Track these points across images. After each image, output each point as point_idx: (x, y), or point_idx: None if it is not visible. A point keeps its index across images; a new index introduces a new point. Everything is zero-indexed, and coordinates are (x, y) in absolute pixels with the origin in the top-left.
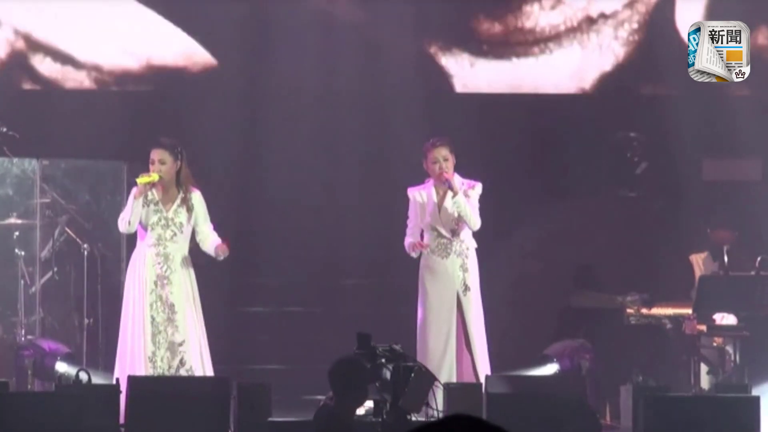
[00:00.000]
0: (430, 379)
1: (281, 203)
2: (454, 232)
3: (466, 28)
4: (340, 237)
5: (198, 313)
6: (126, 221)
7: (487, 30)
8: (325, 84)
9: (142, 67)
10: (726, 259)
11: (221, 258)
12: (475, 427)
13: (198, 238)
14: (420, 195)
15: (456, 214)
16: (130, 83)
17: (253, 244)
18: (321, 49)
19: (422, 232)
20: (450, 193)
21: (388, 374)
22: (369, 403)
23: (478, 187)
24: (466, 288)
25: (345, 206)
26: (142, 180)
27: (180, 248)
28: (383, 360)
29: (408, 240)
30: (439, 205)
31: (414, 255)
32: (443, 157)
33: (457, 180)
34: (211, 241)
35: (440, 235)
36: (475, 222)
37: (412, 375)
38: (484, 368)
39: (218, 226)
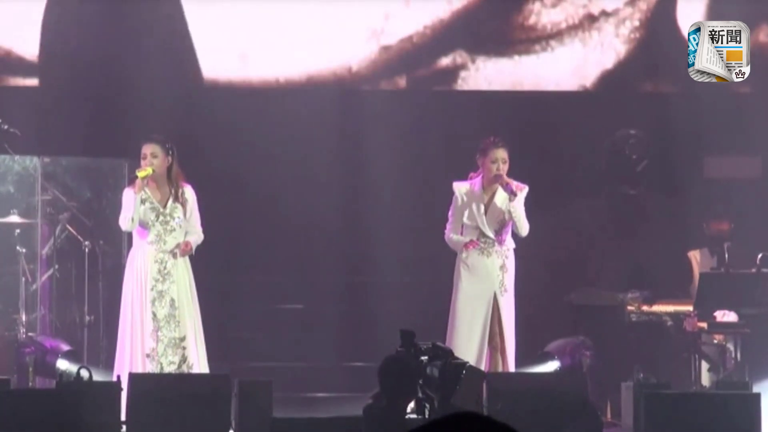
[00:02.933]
0: (480, 375)
1: (282, 199)
2: (497, 233)
3: (468, 26)
4: (343, 234)
5: (196, 309)
6: (129, 219)
7: (488, 27)
8: (329, 82)
9: (143, 65)
10: (726, 256)
11: (177, 255)
12: (481, 425)
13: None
14: (467, 190)
15: (504, 217)
16: (132, 81)
17: (255, 241)
18: (333, 49)
19: (461, 228)
20: (499, 195)
21: (435, 372)
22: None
23: (526, 190)
24: (504, 289)
25: (348, 203)
26: (141, 174)
27: (178, 243)
28: (427, 357)
29: (453, 236)
30: (487, 205)
31: (463, 255)
32: (502, 159)
33: (516, 188)
34: (193, 238)
35: (483, 235)
36: (526, 227)
37: (464, 372)
38: (511, 367)
39: (220, 222)
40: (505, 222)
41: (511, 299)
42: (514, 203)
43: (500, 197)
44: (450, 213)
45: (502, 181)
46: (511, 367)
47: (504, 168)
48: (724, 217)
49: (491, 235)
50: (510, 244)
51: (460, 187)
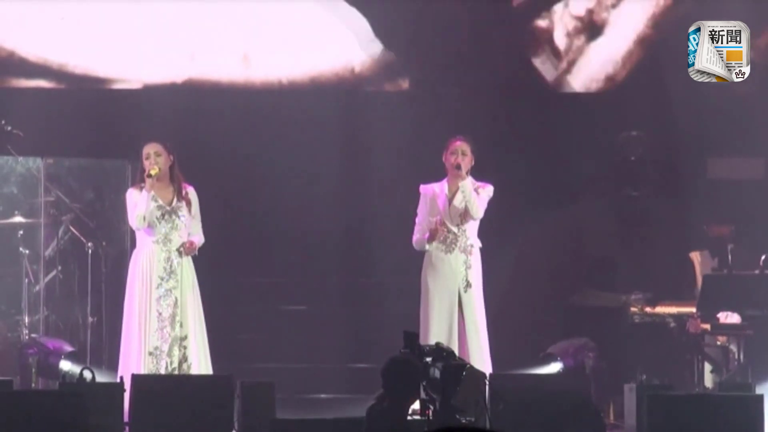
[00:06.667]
0: (480, 376)
1: (285, 201)
2: (460, 227)
3: (471, 26)
4: (346, 235)
5: (199, 309)
6: (141, 217)
7: (491, 28)
8: (332, 84)
9: (146, 66)
10: (730, 257)
11: (182, 253)
12: None
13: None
14: (432, 190)
15: (463, 207)
16: (135, 83)
17: (258, 242)
18: (336, 50)
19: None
20: (460, 190)
21: (437, 373)
22: (415, 403)
23: (489, 189)
24: (468, 284)
25: (348, 205)
26: (154, 171)
27: (183, 242)
28: (430, 359)
29: (416, 236)
30: (450, 199)
31: (427, 247)
32: (462, 150)
33: (470, 181)
34: (196, 239)
35: (447, 230)
36: (477, 209)
37: (464, 373)
38: (481, 367)
39: (222, 224)
40: (466, 214)
41: (478, 296)
42: (464, 183)
43: (460, 194)
44: (416, 216)
45: (454, 164)
46: (479, 364)
47: (464, 159)
48: (726, 222)
49: (454, 229)
50: (476, 241)
51: (425, 189)
